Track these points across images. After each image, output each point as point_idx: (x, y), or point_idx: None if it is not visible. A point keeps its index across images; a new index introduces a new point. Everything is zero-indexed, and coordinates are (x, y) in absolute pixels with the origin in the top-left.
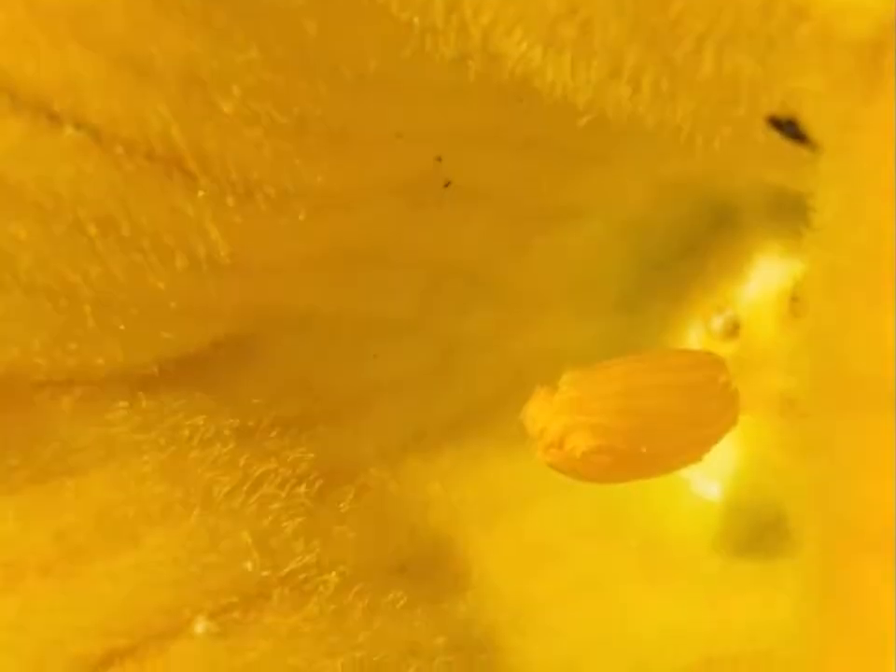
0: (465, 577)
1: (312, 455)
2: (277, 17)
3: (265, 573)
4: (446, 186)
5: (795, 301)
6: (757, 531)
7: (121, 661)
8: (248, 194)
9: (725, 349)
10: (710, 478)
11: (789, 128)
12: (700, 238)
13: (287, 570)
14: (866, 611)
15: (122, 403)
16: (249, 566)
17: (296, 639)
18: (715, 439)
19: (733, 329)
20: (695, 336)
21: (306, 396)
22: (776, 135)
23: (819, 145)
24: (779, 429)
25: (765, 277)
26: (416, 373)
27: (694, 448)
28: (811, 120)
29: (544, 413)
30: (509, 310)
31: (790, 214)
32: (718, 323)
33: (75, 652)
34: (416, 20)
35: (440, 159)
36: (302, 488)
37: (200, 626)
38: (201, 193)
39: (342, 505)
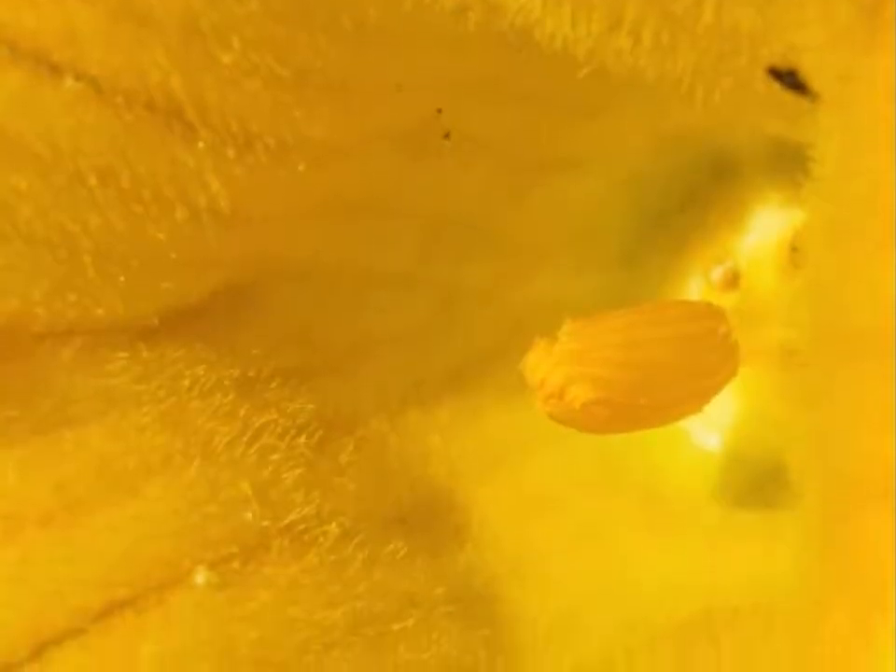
0: (464, 528)
1: (311, 406)
2: None
3: (265, 524)
4: (446, 137)
5: (795, 252)
6: (757, 482)
7: (121, 612)
8: (248, 145)
9: (725, 300)
10: (710, 429)
11: (789, 79)
12: (700, 189)
13: (286, 521)
14: (866, 562)
15: (122, 354)
16: (249, 516)
17: (296, 590)
18: (715, 390)
19: (733, 281)
20: (695, 287)
21: (306, 347)
22: (776, 86)
23: (818, 96)
24: (779, 380)
25: (765, 228)
26: (416, 325)
27: (694, 399)
28: (811, 72)
29: (544, 364)
30: (508, 261)
31: (789, 165)
32: (718, 274)
33: (75, 604)
34: None
35: (439, 110)
36: (302, 439)
37: (200, 577)
38: (201, 144)
39: (341, 456)
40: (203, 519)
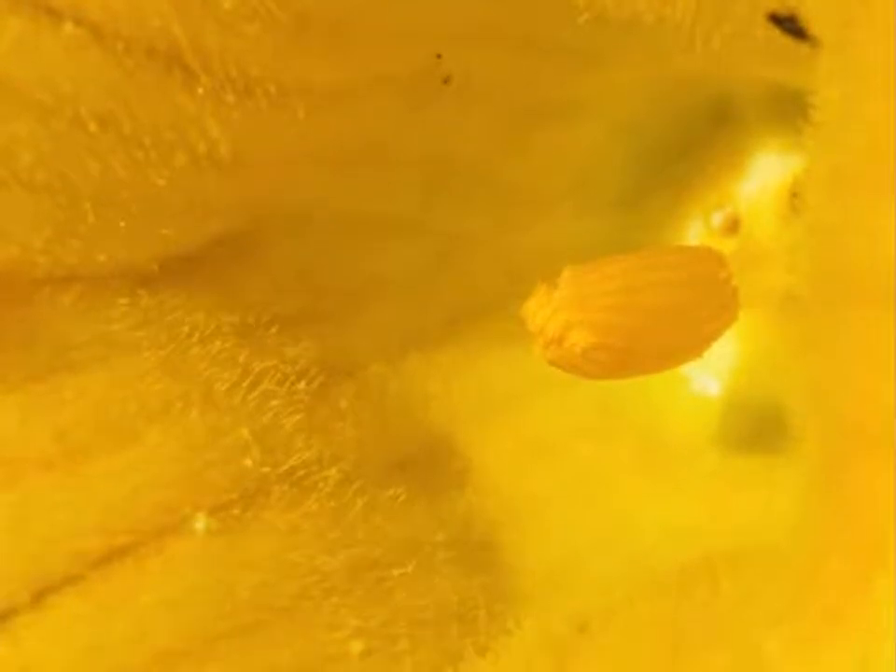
0: (464, 474)
1: (312, 352)
2: None
3: (265, 469)
4: (445, 82)
5: (795, 198)
6: (757, 427)
7: (121, 558)
8: (248, 91)
9: (725, 246)
10: (710, 374)
11: (788, 24)
12: (700, 135)
13: (286, 467)
14: (865, 508)
15: (123, 300)
16: (249, 462)
17: (295, 535)
18: (715, 335)
19: (732, 226)
20: (695, 233)
21: (306, 293)
22: (775, 32)
23: (818, 41)
24: (779, 325)
25: (765, 174)
26: (416, 271)
27: (694, 345)
28: (811, 17)
29: (544, 310)
30: (508, 207)
31: (789, 111)
32: (717, 220)
33: (74, 549)
34: None
35: (439, 55)
36: (302, 385)
37: (199, 523)
38: (200, 90)
39: (342, 402)
40: (203, 465)
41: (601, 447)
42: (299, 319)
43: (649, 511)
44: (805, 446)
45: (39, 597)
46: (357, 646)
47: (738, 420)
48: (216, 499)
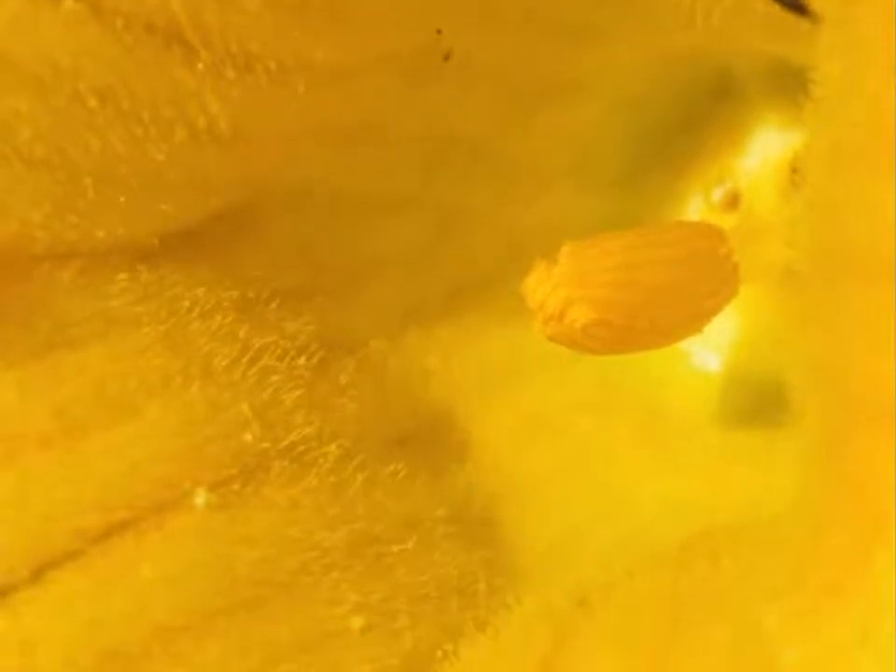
0: (465, 449)
1: (312, 328)
2: None
3: (265, 445)
4: (446, 59)
5: (795, 174)
6: (757, 403)
7: (121, 533)
8: (248, 67)
9: (725, 221)
10: (710, 350)
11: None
12: (700, 111)
13: (286, 442)
14: (866, 483)
15: (122, 276)
16: (249, 437)
17: (295, 511)
18: (715, 310)
19: (733, 201)
20: (695, 208)
21: (306, 268)
22: (775, 7)
23: (819, 16)
24: (779, 301)
25: (765, 149)
26: (416, 246)
27: (695, 320)
28: None
29: (544, 286)
30: (508, 184)
31: (789, 85)
32: (718, 195)
33: (74, 526)
34: None
35: (439, 32)
36: (302, 360)
37: (199, 498)
38: (200, 66)
39: (342, 378)
40: (202, 440)
41: (601, 422)
42: (299, 295)
43: (649, 485)
44: (804, 420)
45: (39, 573)
46: (356, 621)
47: (738, 395)
48: (216, 475)
